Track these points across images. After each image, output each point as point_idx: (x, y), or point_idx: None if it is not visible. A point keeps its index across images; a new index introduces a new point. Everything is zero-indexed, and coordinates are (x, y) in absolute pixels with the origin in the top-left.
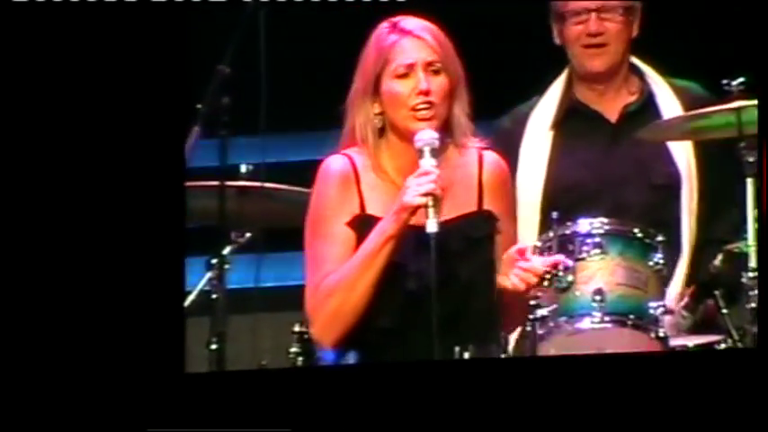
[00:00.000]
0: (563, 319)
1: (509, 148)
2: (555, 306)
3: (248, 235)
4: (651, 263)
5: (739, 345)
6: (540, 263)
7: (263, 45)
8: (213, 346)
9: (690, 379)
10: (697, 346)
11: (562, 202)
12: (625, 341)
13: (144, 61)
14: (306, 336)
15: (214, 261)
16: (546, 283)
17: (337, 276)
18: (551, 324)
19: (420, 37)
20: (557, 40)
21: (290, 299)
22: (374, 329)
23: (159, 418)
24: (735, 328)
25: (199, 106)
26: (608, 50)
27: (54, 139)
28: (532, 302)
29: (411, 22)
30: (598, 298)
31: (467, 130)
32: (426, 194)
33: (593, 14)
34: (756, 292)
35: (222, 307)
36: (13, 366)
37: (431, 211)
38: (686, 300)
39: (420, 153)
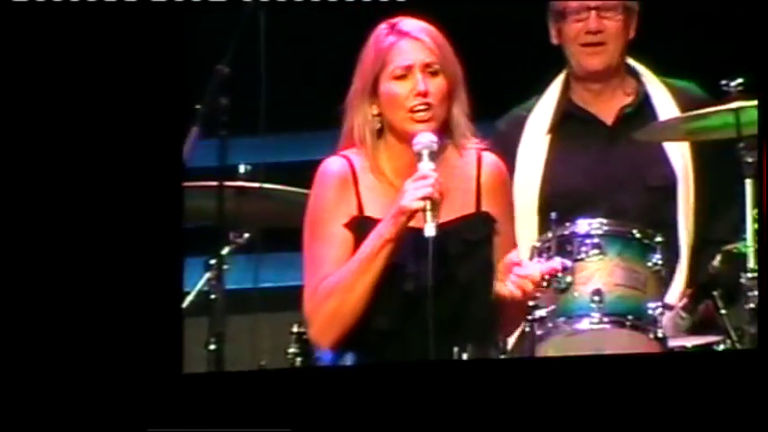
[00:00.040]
0: (561, 319)
1: (506, 152)
2: (553, 307)
3: (247, 235)
4: (650, 263)
5: (738, 345)
6: (536, 270)
7: (263, 45)
8: (212, 347)
9: (688, 380)
10: (695, 346)
11: (559, 206)
12: (624, 342)
13: (143, 61)
14: (304, 336)
15: (213, 261)
16: (545, 284)
17: (335, 278)
18: (550, 325)
19: (418, 38)
20: (554, 40)
21: (289, 299)
22: (372, 331)
23: (158, 419)
24: (733, 328)
25: (198, 106)
26: (606, 49)
27: (52, 139)
28: (531, 303)
29: (409, 24)
30: (597, 299)
31: (466, 131)
32: (424, 198)
33: (593, 12)
34: (755, 292)
35: (221, 307)
36: (12, 367)
37: (428, 215)
38: (685, 300)
39: (419, 156)
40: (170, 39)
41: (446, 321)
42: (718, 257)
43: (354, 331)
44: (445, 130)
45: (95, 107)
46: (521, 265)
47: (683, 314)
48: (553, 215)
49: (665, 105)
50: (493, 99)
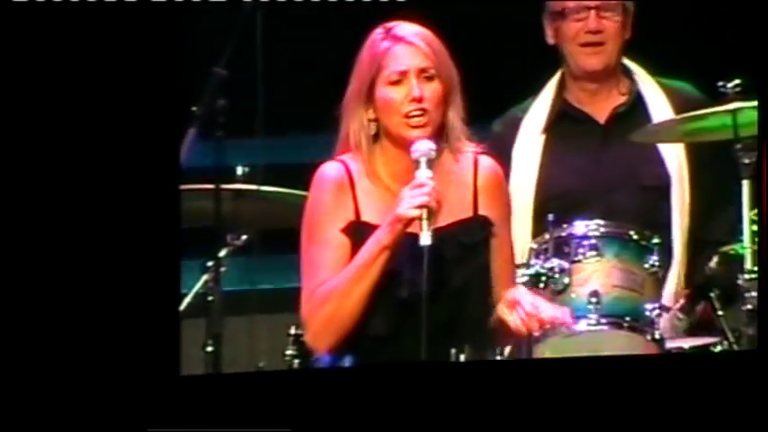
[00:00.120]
0: None
1: (502, 153)
2: None
3: (244, 237)
4: (647, 265)
5: (735, 347)
6: (546, 313)
7: (260, 47)
8: (209, 349)
9: (686, 381)
10: (693, 347)
11: (554, 207)
12: (621, 343)
13: (140, 62)
14: (302, 338)
15: (210, 263)
16: (542, 286)
17: (332, 284)
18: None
19: (413, 43)
20: (551, 40)
21: (286, 301)
22: (368, 336)
23: (155, 421)
24: (730, 329)
25: (195, 108)
26: (605, 49)
27: (50, 139)
28: None
29: (404, 29)
30: (594, 300)
31: (462, 136)
32: (420, 207)
33: (593, 12)
34: (752, 294)
35: (218, 309)
36: (11, 368)
37: (424, 223)
38: (682, 302)
39: (416, 164)
40: (167, 40)
41: (443, 325)
42: (716, 259)
43: (351, 336)
44: (441, 135)
45: (93, 108)
46: (525, 304)
47: (681, 315)
48: (550, 217)
49: (659, 105)
50: (489, 101)
